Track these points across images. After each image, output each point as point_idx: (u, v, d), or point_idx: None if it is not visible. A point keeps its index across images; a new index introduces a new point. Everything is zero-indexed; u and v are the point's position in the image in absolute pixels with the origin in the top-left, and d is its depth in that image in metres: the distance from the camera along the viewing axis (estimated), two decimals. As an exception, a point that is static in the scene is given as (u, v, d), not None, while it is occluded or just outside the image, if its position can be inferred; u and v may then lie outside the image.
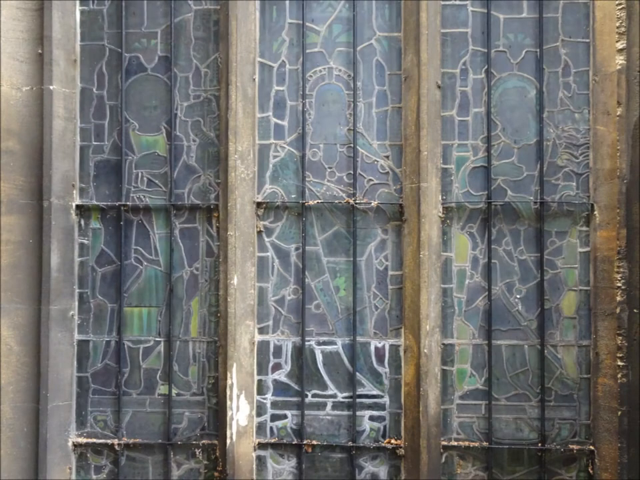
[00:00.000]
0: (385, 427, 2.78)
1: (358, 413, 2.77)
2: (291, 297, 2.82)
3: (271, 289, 2.82)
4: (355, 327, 2.77)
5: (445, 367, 2.74)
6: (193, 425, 2.82)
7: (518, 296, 2.75)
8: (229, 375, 2.69)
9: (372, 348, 2.78)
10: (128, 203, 2.84)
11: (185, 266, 2.84)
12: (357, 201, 2.78)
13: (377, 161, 2.80)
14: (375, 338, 2.79)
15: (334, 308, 2.81)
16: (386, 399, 2.78)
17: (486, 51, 2.76)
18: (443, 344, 2.74)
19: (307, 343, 2.79)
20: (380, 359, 2.78)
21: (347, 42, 2.81)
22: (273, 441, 2.79)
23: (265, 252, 2.82)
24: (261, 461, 2.80)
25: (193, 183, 2.84)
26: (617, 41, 2.66)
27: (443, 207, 2.74)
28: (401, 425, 2.76)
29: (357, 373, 2.78)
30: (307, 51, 2.81)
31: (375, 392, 2.78)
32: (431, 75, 2.67)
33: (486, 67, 2.76)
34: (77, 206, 2.85)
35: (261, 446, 2.79)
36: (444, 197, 2.75)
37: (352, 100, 2.79)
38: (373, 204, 2.77)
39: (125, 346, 2.85)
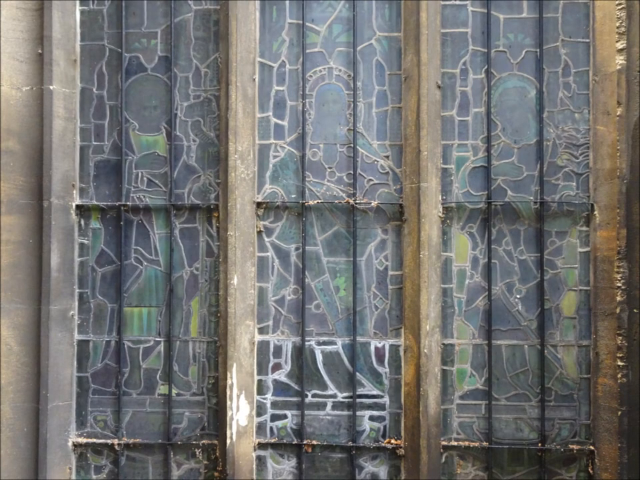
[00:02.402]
0: (385, 426, 2.78)
1: (358, 413, 2.77)
2: (291, 297, 2.81)
3: (271, 289, 2.82)
4: (354, 327, 2.77)
5: (444, 367, 2.74)
6: (193, 424, 2.82)
7: (518, 296, 2.75)
8: (228, 374, 2.69)
9: (372, 348, 2.78)
10: (128, 203, 2.84)
11: (185, 266, 2.84)
12: (356, 201, 2.78)
13: (377, 161, 2.80)
14: (375, 338, 2.79)
15: (334, 308, 2.81)
16: (386, 399, 2.78)
17: (486, 51, 2.76)
18: (443, 344, 2.74)
19: (306, 343, 2.79)
20: (380, 359, 2.78)
21: (346, 42, 2.81)
22: (272, 441, 2.79)
23: (264, 252, 2.82)
24: (260, 461, 2.80)
25: (193, 183, 2.84)
26: (617, 41, 2.66)
27: (443, 207, 2.74)
28: (401, 424, 2.76)
29: (357, 373, 2.77)
30: (307, 50, 2.80)
31: (375, 392, 2.78)
32: (431, 74, 2.67)
33: (486, 67, 2.76)
34: (77, 206, 2.85)
35: (261, 446, 2.79)
36: (444, 197, 2.75)
37: (352, 100, 2.79)
38: (372, 204, 2.77)
39: (125, 346, 2.85)
